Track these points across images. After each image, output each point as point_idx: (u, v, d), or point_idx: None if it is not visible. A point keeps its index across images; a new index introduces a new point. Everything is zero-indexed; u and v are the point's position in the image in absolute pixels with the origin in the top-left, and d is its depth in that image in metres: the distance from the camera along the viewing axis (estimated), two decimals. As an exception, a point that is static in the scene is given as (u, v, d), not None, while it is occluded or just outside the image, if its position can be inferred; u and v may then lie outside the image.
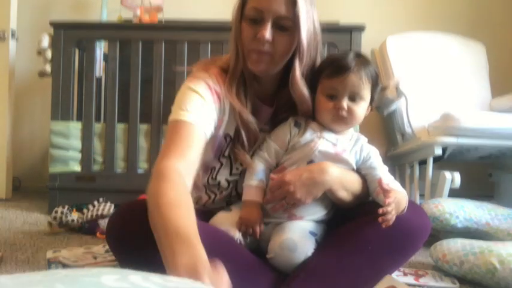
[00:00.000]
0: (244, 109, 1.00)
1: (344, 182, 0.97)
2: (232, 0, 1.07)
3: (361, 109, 1.00)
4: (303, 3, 0.95)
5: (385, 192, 0.88)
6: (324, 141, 0.99)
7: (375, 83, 1.01)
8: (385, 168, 1.03)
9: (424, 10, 2.86)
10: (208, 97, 0.98)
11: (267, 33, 0.95)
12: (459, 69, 2.50)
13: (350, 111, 0.98)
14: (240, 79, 1.02)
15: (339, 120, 0.99)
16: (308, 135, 1.00)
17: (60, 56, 2.16)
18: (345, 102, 0.98)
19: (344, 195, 0.97)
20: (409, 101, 2.13)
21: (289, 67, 1.02)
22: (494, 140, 1.82)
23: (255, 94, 1.06)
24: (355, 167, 1.02)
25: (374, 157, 1.03)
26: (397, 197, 0.88)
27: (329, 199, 1.00)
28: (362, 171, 1.03)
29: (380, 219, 0.85)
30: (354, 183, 1.00)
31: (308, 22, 0.97)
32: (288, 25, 0.96)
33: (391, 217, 0.86)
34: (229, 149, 1.05)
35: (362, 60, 1.00)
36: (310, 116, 1.04)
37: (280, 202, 0.97)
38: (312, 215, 1.00)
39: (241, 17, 1.00)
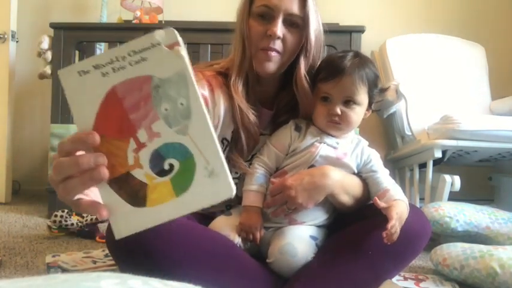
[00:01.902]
0: (250, 110, 1.00)
1: (345, 186, 0.97)
2: (231, 1, 1.08)
3: (356, 114, 0.99)
4: (312, 2, 0.97)
5: (385, 211, 0.88)
6: (325, 146, 0.99)
7: (372, 85, 0.99)
8: (386, 171, 1.02)
9: (424, 12, 2.87)
10: None
11: (278, 29, 0.95)
12: (459, 71, 2.51)
13: (344, 116, 0.97)
14: (245, 80, 1.02)
15: (333, 125, 0.99)
16: (309, 139, 1.00)
17: (60, 58, 2.16)
18: (338, 107, 0.97)
19: (346, 199, 0.97)
20: (409, 104, 2.14)
21: (290, 68, 1.03)
22: (494, 142, 1.82)
23: (255, 97, 1.05)
24: (356, 171, 1.02)
25: (374, 160, 1.02)
26: (398, 212, 0.87)
27: (330, 203, 1.00)
28: (363, 175, 1.02)
29: (385, 239, 0.85)
30: (355, 186, 0.99)
31: (316, 21, 0.99)
32: (297, 23, 0.98)
33: (396, 236, 0.86)
34: (226, 152, 1.05)
35: (359, 61, 0.98)
36: (310, 119, 1.04)
37: (281, 207, 0.96)
38: (313, 220, 0.99)
39: (249, 15, 1.00)
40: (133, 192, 0.53)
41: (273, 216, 0.98)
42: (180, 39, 0.51)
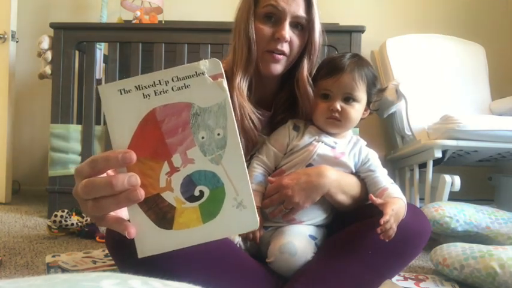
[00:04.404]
0: (254, 113, 1.01)
1: (342, 185, 0.96)
2: (231, 2, 1.08)
3: (355, 111, 0.99)
4: (315, 5, 1.00)
5: (381, 207, 0.87)
6: (323, 145, 0.99)
7: (371, 84, 1.01)
8: (384, 171, 1.02)
9: (424, 12, 2.87)
10: None
11: (287, 33, 0.97)
12: (459, 71, 2.51)
13: (343, 112, 0.98)
14: (249, 82, 1.02)
15: (332, 121, 0.99)
16: (307, 138, 1.00)
17: (60, 58, 2.16)
18: (338, 103, 0.98)
19: (343, 198, 0.97)
20: (409, 103, 2.14)
21: (290, 69, 1.04)
22: (494, 142, 1.82)
23: (254, 98, 1.06)
24: (354, 170, 1.02)
25: (372, 159, 1.02)
26: (394, 208, 0.87)
27: (328, 203, 1.00)
28: (361, 174, 1.02)
29: (381, 236, 0.84)
30: (353, 186, 0.99)
31: (319, 24, 1.02)
32: (303, 25, 1.00)
33: (392, 232, 0.85)
34: None
35: (358, 61, 1.00)
36: (309, 120, 1.04)
37: (278, 207, 0.96)
38: (311, 219, 0.99)
39: (254, 16, 1.00)
40: (161, 214, 0.54)
41: (271, 217, 0.98)
42: (223, 70, 0.52)
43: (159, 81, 0.52)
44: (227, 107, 0.52)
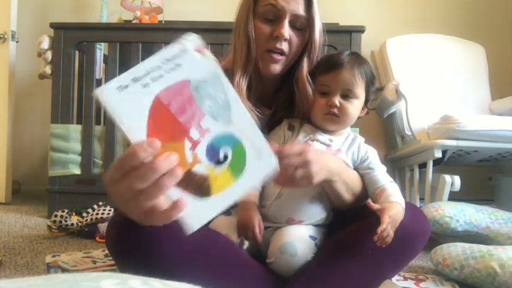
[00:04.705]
0: (254, 113, 1.01)
1: (344, 175, 0.95)
2: (231, 1, 1.08)
3: (354, 107, 0.99)
4: (316, 3, 1.00)
5: (378, 213, 0.87)
6: (317, 144, 0.99)
7: (370, 82, 1.01)
8: (383, 168, 1.02)
9: (424, 12, 2.87)
10: None
11: (285, 31, 0.97)
12: (459, 71, 2.51)
13: (342, 108, 0.98)
14: (248, 81, 1.03)
15: (331, 117, 0.99)
16: (301, 137, 1.00)
17: (60, 58, 2.16)
18: (337, 99, 0.98)
19: (342, 189, 0.95)
20: (409, 103, 2.14)
21: (290, 67, 1.05)
22: (494, 142, 1.83)
23: (255, 97, 1.06)
24: (352, 167, 1.01)
25: (372, 157, 1.02)
26: (392, 215, 0.86)
27: (327, 200, 0.99)
28: (360, 172, 1.02)
29: (378, 243, 0.84)
30: (353, 179, 0.98)
31: (319, 22, 1.02)
32: (303, 24, 1.00)
33: (389, 239, 0.84)
34: None
35: (357, 58, 1.01)
36: (305, 119, 1.04)
37: (287, 171, 0.83)
38: (311, 219, 0.99)
39: (254, 15, 1.01)
40: (198, 186, 0.57)
41: (275, 183, 0.88)
42: (202, 42, 0.57)
43: (151, 68, 0.55)
44: (218, 72, 0.57)
